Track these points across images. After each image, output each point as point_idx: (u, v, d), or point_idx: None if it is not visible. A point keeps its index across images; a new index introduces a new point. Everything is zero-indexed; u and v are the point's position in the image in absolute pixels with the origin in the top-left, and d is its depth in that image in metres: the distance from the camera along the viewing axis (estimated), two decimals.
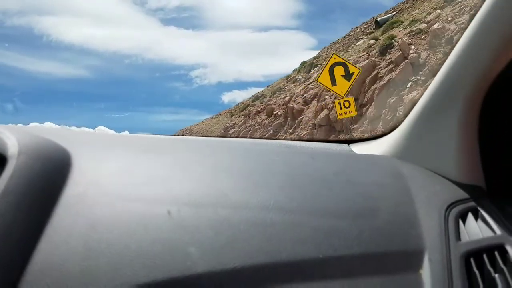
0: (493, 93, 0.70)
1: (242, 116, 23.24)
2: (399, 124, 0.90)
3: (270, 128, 17.09)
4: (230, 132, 22.09)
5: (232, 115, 28.37)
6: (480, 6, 0.66)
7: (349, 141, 1.02)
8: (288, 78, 24.51)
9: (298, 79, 21.40)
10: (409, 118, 0.86)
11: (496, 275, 0.55)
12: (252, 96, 31.19)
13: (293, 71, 25.78)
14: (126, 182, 0.59)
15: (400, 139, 0.87)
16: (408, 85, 9.51)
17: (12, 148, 0.54)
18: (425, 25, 11.73)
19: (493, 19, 0.64)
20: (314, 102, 14.21)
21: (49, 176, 0.54)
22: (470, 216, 0.67)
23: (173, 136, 1.00)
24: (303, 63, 24.01)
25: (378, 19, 18.50)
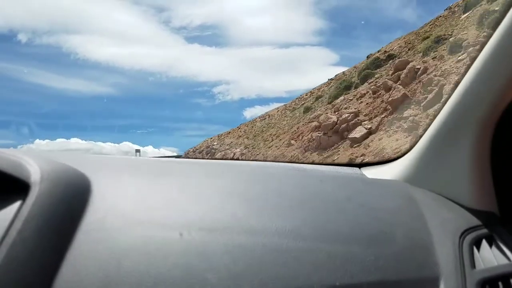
0: (505, 119, 0.71)
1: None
2: (411, 148, 0.91)
3: None
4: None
5: (308, 109, 18.73)
6: (491, 34, 0.67)
7: (360, 165, 1.02)
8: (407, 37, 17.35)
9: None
10: (421, 142, 0.86)
11: None
12: (351, 69, 21.71)
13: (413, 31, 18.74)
14: (144, 207, 0.60)
15: (412, 163, 0.88)
16: None
17: (35, 175, 0.55)
18: None
19: (506, 46, 0.65)
20: None
21: (70, 202, 0.55)
22: (484, 243, 0.67)
23: (188, 159, 1.01)
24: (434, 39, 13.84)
25: None
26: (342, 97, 16.15)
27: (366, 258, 0.59)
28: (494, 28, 0.67)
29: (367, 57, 21.23)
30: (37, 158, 0.59)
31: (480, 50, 0.70)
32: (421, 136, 0.87)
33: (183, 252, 0.53)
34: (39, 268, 0.47)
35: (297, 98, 27.51)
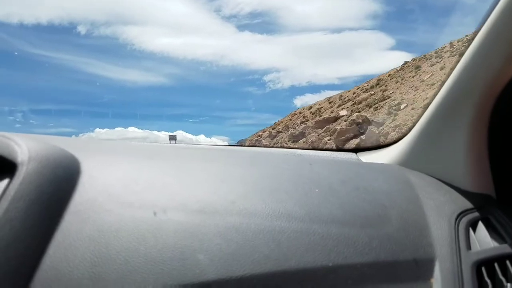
0: (502, 101, 0.70)
1: None
2: (407, 133, 0.90)
3: None
4: None
5: None
6: (489, 15, 0.66)
7: (356, 150, 1.02)
8: None
9: None
10: (417, 126, 0.86)
11: (508, 285, 0.55)
12: None
13: None
14: (134, 189, 0.59)
15: (408, 147, 0.87)
16: None
17: (22, 155, 0.54)
18: None
19: (502, 28, 0.64)
20: None
21: (59, 183, 0.54)
22: (480, 225, 0.67)
23: (180, 144, 1.01)
24: None
25: None
26: None
27: (360, 240, 0.58)
28: (489, 12, 0.66)
29: None
30: (27, 138, 0.58)
31: (475, 34, 0.69)
32: (417, 121, 0.87)
33: (174, 233, 0.53)
34: (26, 249, 0.47)
35: None
